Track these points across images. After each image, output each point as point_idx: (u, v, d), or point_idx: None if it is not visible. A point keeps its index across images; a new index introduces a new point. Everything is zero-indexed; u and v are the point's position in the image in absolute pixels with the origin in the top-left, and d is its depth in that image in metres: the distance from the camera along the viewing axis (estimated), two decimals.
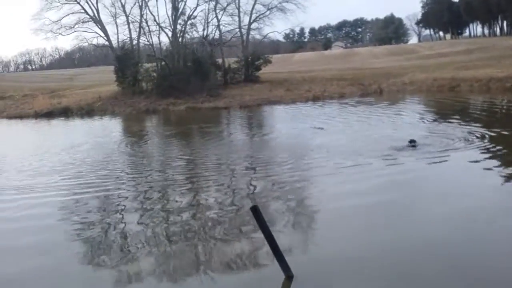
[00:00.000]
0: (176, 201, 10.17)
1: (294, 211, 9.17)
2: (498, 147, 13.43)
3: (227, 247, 7.43)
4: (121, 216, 9.39)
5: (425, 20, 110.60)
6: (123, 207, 9.98)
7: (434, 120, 20.11)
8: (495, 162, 12.07)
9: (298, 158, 13.67)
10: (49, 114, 35.09)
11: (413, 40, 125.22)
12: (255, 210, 2.02)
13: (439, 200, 9.06)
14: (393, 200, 9.27)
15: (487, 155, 12.59)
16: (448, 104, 26.23)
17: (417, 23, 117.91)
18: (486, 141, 14.20)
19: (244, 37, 43.64)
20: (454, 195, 9.38)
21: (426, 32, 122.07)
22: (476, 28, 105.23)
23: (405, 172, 11.33)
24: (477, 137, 14.70)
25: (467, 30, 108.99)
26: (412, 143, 14.13)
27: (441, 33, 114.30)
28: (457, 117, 20.13)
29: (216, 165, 13.81)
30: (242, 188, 11.06)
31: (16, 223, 9.30)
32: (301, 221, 8.64)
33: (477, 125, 17.39)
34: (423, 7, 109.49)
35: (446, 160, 12.31)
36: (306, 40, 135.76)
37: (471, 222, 7.84)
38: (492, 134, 15.24)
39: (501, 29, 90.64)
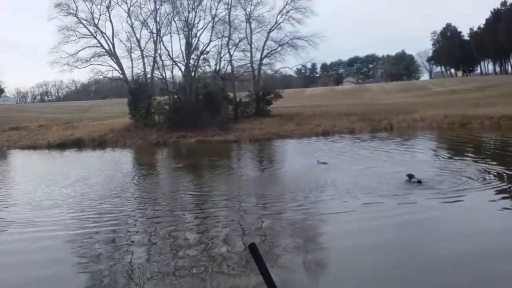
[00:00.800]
0: (185, 239, 10.08)
1: (302, 251, 9.07)
2: None
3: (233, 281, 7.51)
4: (128, 251, 9.34)
5: (436, 57, 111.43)
6: (131, 242, 9.95)
7: (447, 157, 19.93)
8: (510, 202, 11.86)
9: (306, 196, 13.42)
10: (62, 145, 35.56)
11: (425, 76, 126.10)
12: (252, 249, 2.02)
13: (452, 240, 9.03)
14: (404, 240, 9.27)
15: (503, 195, 12.33)
16: (459, 141, 26.06)
17: (428, 60, 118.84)
18: (501, 179, 13.98)
19: (256, 72, 44.31)
20: (467, 235, 9.33)
21: (438, 69, 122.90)
22: (488, 66, 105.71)
23: (417, 212, 11.15)
24: (492, 176, 14.53)
25: (478, 68, 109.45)
26: (413, 179, 14.12)
27: (452, 70, 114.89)
28: (470, 154, 20.05)
29: (225, 200, 13.71)
30: (250, 225, 11.01)
31: (22, 256, 9.30)
32: (309, 261, 8.55)
33: (491, 163, 17.25)
34: (434, 44, 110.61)
35: (459, 200, 12.07)
36: (317, 75, 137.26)
37: (480, 263, 7.72)
38: (508, 172, 15.07)
39: None
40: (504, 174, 14.73)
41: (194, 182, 17.74)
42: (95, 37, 42.42)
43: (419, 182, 13.95)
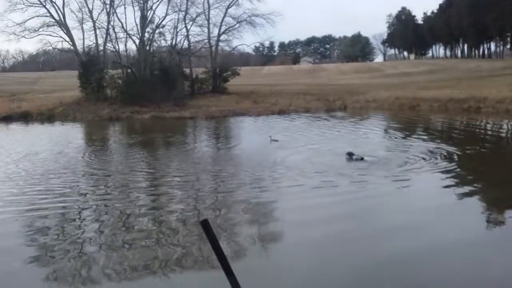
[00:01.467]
0: (137, 215, 9.90)
1: (254, 225, 9.24)
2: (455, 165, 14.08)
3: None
4: (79, 226, 9.17)
5: (391, 40, 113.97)
6: (81, 218, 9.73)
7: (399, 137, 20.57)
8: (451, 181, 12.43)
9: (260, 174, 13.40)
10: (8, 118, 33.91)
11: (379, 59, 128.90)
12: (204, 225, 1.99)
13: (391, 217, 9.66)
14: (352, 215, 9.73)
15: (446, 175, 12.90)
16: (409, 122, 26.99)
17: (383, 42, 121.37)
18: (446, 159, 14.75)
19: (213, 48, 43.78)
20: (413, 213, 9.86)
21: (392, 51, 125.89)
22: (439, 50, 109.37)
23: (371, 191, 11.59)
24: (438, 155, 15.28)
25: (430, 51, 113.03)
26: (354, 156, 14.87)
27: (405, 53, 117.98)
28: (418, 134, 20.97)
29: (178, 177, 13.58)
30: (203, 202, 11.00)
31: None
32: (260, 234, 8.69)
33: (437, 142, 18.24)
34: (388, 27, 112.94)
35: (405, 179, 12.60)
36: (275, 54, 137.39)
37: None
38: (450, 151, 15.89)
39: (462, 51, 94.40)
40: (452, 154, 15.58)
41: (148, 158, 17.42)
42: (44, 6, 40.45)
43: (362, 159, 14.61)
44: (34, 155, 17.87)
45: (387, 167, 13.76)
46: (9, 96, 43.34)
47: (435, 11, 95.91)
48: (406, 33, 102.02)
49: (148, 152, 18.96)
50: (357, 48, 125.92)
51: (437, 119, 28.02)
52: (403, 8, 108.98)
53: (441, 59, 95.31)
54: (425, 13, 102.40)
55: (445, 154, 15.61)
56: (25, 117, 34.21)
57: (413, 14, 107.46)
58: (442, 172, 13.15)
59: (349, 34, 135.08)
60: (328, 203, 10.54)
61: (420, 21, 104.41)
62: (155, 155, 18.38)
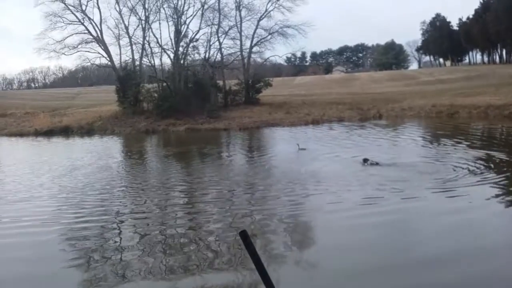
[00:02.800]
0: (175, 233, 9.57)
1: (291, 244, 8.84)
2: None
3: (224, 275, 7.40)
4: (119, 246, 8.94)
5: (425, 47, 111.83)
6: (120, 237, 9.60)
7: (441, 145, 20.01)
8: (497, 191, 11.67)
9: (296, 189, 12.84)
10: (49, 133, 35.24)
11: (413, 66, 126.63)
12: (244, 236, 1.98)
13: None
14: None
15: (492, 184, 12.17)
16: (448, 130, 26.28)
17: (417, 49, 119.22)
18: (491, 168, 14.08)
19: (245, 60, 44.14)
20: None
21: (426, 58, 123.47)
22: (476, 56, 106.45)
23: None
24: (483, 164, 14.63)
25: (466, 58, 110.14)
26: (368, 161, 15.33)
27: (441, 60, 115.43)
28: (462, 142, 20.37)
29: (214, 191, 13.35)
30: (240, 217, 10.62)
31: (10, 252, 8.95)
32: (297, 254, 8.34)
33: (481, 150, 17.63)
34: (423, 34, 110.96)
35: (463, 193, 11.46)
36: (307, 64, 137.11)
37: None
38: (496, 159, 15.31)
39: (500, 57, 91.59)
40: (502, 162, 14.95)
41: (183, 171, 17.53)
42: (82, 24, 41.91)
43: (377, 163, 15.30)
44: (77, 169, 18.13)
45: (435, 179, 12.89)
46: (50, 111, 45.00)
47: (470, 16, 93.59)
48: (441, 40, 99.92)
49: (184, 164, 19.24)
50: (390, 56, 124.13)
51: (477, 126, 27.24)
52: (437, 15, 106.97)
53: (478, 65, 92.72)
54: (460, 19, 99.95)
55: (497, 162, 14.94)
56: (66, 131, 35.44)
57: (448, 20, 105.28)
58: (497, 184, 12.23)
59: (382, 42, 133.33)
60: (373, 224, 9.64)
61: (455, 27, 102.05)
62: (190, 167, 18.54)
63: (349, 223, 9.86)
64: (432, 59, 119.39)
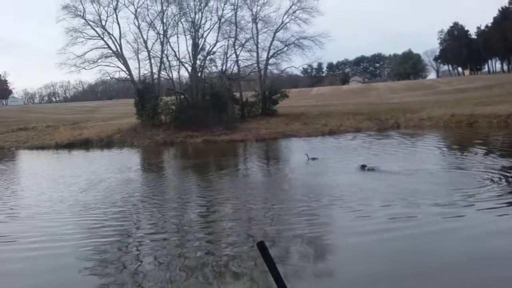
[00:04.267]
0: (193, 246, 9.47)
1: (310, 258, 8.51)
2: None
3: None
4: (136, 257, 9.00)
5: (443, 56, 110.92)
6: (139, 247, 9.61)
7: (466, 156, 19.63)
8: None
9: (315, 203, 12.34)
10: (70, 145, 35.86)
11: (432, 75, 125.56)
12: (261, 247, 1.97)
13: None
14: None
15: None
16: (468, 139, 25.92)
17: (435, 59, 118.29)
18: None
19: (262, 72, 44.35)
20: None
21: (445, 68, 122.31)
22: (495, 64, 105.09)
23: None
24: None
25: (486, 66, 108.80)
26: (366, 167, 16.32)
27: (459, 69, 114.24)
28: (483, 151, 20.04)
29: (231, 204, 13.21)
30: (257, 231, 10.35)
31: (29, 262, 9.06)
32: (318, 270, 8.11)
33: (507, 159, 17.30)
34: (441, 43, 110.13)
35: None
36: (324, 74, 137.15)
37: None
38: None
39: None
40: None
41: (201, 184, 17.45)
42: (102, 39, 42.73)
43: (373, 169, 16.17)
44: (97, 183, 17.93)
45: (471, 191, 12.14)
46: (71, 124, 45.85)
47: (489, 24, 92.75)
48: (460, 49, 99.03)
49: (201, 177, 19.17)
50: (408, 66, 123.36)
51: (498, 136, 26.76)
52: (455, 23, 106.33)
53: (498, 74, 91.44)
54: (478, 27, 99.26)
55: None
56: (86, 144, 36.02)
57: (466, 28, 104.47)
58: None
59: (400, 51, 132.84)
60: (408, 248, 8.55)
61: (473, 36, 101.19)
62: (208, 180, 18.35)
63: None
64: (450, 68, 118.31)
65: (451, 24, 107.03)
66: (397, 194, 12.42)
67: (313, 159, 20.08)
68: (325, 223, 10.73)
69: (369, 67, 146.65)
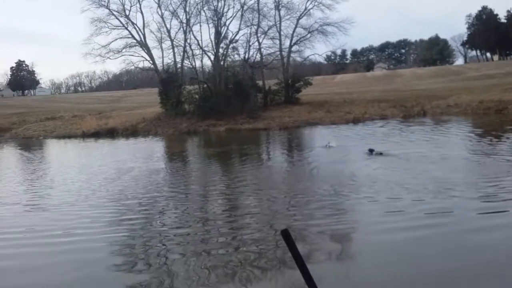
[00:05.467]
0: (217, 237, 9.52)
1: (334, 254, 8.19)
2: None
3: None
4: (163, 250, 9.00)
5: (471, 41, 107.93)
6: (165, 238, 9.65)
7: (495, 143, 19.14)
8: None
9: (341, 195, 11.99)
10: (96, 134, 36.53)
11: (459, 61, 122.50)
12: (286, 235, 1.97)
13: None
14: None
15: None
16: (500, 126, 25.19)
17: (463, 44, 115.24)
18: None
19: (285, 59, 44.04)
20: None
21: (473, 53, 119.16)
22: None
23: None
24: None
25: None
26: (374, 152, 17.13)
27: (488, 54, 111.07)
28: None
29: (254, 194, 13.11)
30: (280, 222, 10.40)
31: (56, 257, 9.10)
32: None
33: None
34: (468, 28, 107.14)
35: None
36: (348, 61, 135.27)
37: None
38: None
39: None
40: None
41: (224, 173, 17.59)
42: (126, 28, 43.07)
43: (381, 154, 17.10)
44: (124, 174, 17.94)
45: (505, 182, 11.61)
46: (96, 114, 46.64)
47: None
48: (488, 33, 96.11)
49: (224, 166, 19.38)
50: (434, 52, 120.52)
51: None
52: (484, 7, 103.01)
53: None
54: (508, 11, 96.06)
55: None
56: (112, 133, 36.61)
57: (495, 12, 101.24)
58: None
59: (426, 37, 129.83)
60: (447, 248, 7.89)
61: (503, 20, 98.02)
62: (231, 168, 18.61)
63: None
64: (478, 54, 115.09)
65: (480, 8, 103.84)
66: (426, 185, 12.00)
67: (329, 146, 20.32)
68: (353, 219, 10.22)
69: (394, 53, 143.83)
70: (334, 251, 8.26)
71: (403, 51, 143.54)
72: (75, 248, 9.34)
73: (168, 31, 42.54)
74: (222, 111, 36.26)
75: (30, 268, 8.39)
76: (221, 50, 41.61)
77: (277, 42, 43.59)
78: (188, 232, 10.02)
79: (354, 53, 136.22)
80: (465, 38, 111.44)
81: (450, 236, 8.44)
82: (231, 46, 42.21)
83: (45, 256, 9.06)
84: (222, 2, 41.44)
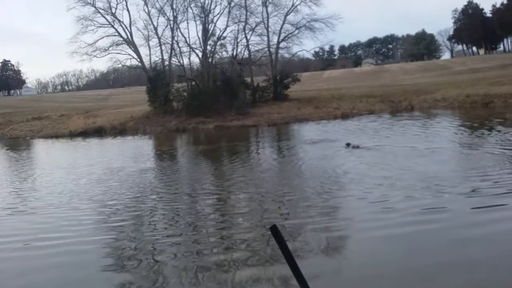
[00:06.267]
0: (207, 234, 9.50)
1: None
2: None
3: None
4: (153, 248, 8.91)
5: (458, 36, 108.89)
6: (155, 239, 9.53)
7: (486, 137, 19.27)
8: None
9: (329, 190, 12.04)
10: (84, 134, 36.15)
11: (446, 56, 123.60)
12: (274, 231, 1.95)
13: None
14: None
15: None
16: (486, 119, 25.40)
17: (449, 38, 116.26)
18: None
19: (273, 56, 44.05)
20: None
21: (459, 47, 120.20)
22: (511, 43, 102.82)
23: None
24: None
25: (501, 45, 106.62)
26: (351, 145, 17.95)
27: (474, 49, 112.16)
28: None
29: (243, 197, 12.77)
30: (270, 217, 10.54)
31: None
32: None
33: None
34: (455, 22, 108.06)
35: None
36: (335, 57, 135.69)
37: None
38: None
39: None
40: None
41: (213, 171, 17.43)
42: (112, 26, 42.73)
43: (357, 147, 17.83)
44: (113, 173, 17.66)
45: (495, 176, 11.65)
46: (84, 113, 46.18)
47: (505, 2, 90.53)
48: (474, 28, 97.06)
49: (213, 163, 19.28)
50: (422, 46, 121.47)
51: None
52: (470, 2, 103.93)
53: None
54: (494, 5, 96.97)
55: None
56: (99, 132, 36.27)
57: (480, 7, 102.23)
58: None
59: (413, 32, 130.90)
60: (446, 245, 7.73)
61: (488, 14, 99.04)
62: (220, 166, 18.55)
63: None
64: (465, 48, 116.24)
65: (466, 3, 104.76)
66: (417, 180, 11.94)
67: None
68: (343, 216, 10.09)
69: (382, 48, 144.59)
70: (326, 248, 8.20)
71: (390, 46, 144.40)
72: (63, 251, 9.10)
73: (155, 29, 42.33)
74: (211, 108, 36.15)
75: (22, 273, 8.22)
76: (209, 47, 41.46)
77: (265, 38, 43.64)
78: (178, 233, 9.82)
79: (342, 49, 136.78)
80: (451, 33, 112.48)
81: (444, 231, 8.36)
82: (219, 43, 42.11)
83: (33, 259, 8.87)
84: None
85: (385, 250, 7.98)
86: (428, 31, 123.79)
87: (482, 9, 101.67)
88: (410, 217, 9.32)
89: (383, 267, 7.28)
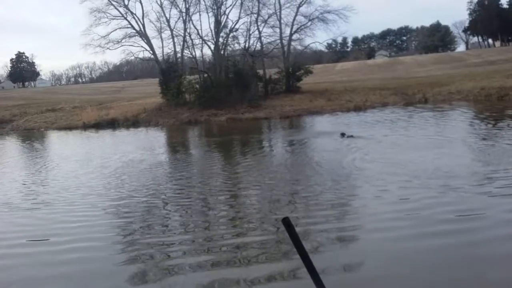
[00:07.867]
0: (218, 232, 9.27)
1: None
2: None
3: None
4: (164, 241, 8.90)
5: (473, 28, 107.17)
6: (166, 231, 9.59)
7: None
8: None
9: (342, 184, 11.89)
10: (97, 125, 36.48)
11: (461, 48, 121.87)
12: (287, 223, 1.94)
13: None
14: None
15: None
16: (501, 112, 25.06)
17: (464, 30, 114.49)
18: None
19: (285, 48, 43.83)
20: None
21: (475, 39, 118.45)
22: None
23: None
24: None
25: None
26: (345, 135, 18.98)
27: (490, 41, 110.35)
28: None
29: (256, 187, 12.84)
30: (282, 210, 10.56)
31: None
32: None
33: None
34: (470, 14, 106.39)
35: None
36: (348, 49, 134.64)
37: None
38: None
39: None
40: None
41: (226, 165, 17.23)
42: (125, 18, 42.84)
43: (351, 136, 18.90)
44: (125, 166, 17.65)
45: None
46: (97, 104, 46.54)
47: None
48: (490, 19, 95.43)
49: (225, 157, 19.20)
50: (436, 38, 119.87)
51: None
52: None
53: None
54: None
55: None
56: (112, 124, 36.55)
57: None
58: None
59: (427, 23, 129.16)
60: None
61: (505, 5, 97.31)
62: (232, 160, 18.41)
63: None
64: (480, 40, 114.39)
65: None
66: (434, 176, 11.64)
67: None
68: (359, 214, 9.63)
69: (396, 40, 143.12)
70: (338, 245, 8.05)
71: (404, 38, 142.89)
72: (75, 247, 8.96)
73: (168, 21, 42.38)
74: (223, 100, 36.17)
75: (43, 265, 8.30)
76: (221, 39, 41.42)
77: (277, 30, 43.42)
78: (191, 228, 9.71)
79: (355, 40, 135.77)
80: (466, 25, 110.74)
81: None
82: (231, 35, 42.04)
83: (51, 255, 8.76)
84: None
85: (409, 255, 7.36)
86: (443, 22, 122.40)
87: (499, 0, 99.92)
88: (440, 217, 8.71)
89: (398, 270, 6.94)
